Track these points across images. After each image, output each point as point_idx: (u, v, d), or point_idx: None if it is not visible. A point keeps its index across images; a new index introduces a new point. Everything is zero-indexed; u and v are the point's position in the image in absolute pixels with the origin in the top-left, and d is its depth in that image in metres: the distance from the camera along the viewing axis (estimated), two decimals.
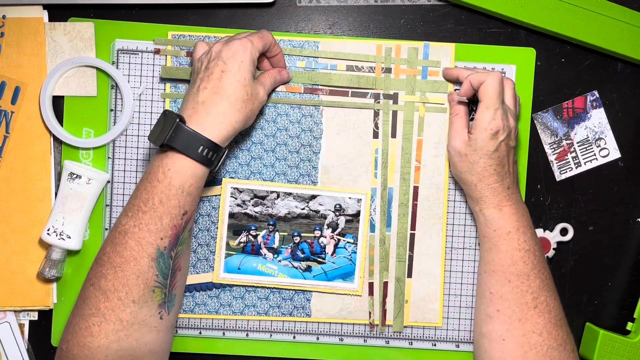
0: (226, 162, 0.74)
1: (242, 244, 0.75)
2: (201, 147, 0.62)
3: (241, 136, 0.75)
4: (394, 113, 0.75)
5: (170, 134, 0.61)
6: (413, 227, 0.76)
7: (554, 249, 0.77)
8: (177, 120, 0.62)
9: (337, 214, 0.75)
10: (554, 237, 0.77)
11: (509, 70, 0.76)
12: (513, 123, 0.68)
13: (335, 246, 0.75)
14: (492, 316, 0.69)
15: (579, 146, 0.77)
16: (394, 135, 0.75)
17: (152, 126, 0.64)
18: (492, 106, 0.67)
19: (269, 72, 0.72)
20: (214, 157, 0.63)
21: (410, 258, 0.76)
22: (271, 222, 0.75)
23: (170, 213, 0.62)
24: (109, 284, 0.61)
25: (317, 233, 0.75)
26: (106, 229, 0.76)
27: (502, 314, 0.68)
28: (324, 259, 0.75)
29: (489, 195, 0.69)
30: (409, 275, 0.76)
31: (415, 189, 0.76)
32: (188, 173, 0.62)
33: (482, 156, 0.68)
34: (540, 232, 0.77)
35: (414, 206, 0.76)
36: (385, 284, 0.76)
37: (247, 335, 0.76)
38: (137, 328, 0.62)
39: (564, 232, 0.77)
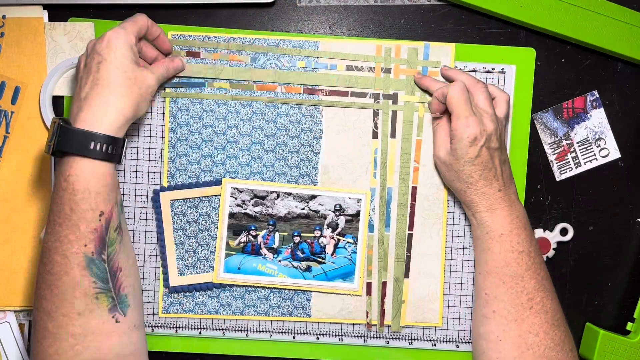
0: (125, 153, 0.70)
1: (242, 244, 0.75)
2: (93, 143, 0.60)
3: (241, 136, 0.75)
4: (394, 113, 0.75)
5: (57, 139, 0.60)
6: (411, 228, 0.76)
7: (554, 249, 0.77)
8: (60, 122, 0.61)
9: (337, 214, 0.75)
10: (553, 237, 0.77)
11: (509, 70, 0.76)
12: (491, 125, 0.67)
13: (335, 246, 0.75)
14: (488, 317, 0.69)
15: (579, 146, 0.77)
16: (393, 135, 0.75)
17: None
18: (462, 115, 0.67)
19: (161, 61, 0.71)
20: (112, 150, 0.62)
21: (408, 258, 0.76)
22: (271, 222, 0.75)
23: (85, 218, 0.61)
24: (49, 304, 0.60)
25: (317, 233, 0.75)
26: None
27: (497, 314, 0.68)
28: (324, 259, 0.75)
29: (479, 200, 0.69)
30: (406, 275, 0.76)
31: (414, 189, 0.76)
32: (88, 173, 0.61)
33: (465, 164, 0.68)
34: (540, 232, 0.77)
35: (412, 206, 0.76)
36: (384, 284, 0.76)
37: (247, 335, 0.76)
38: (93, 338, 0.61)
39: (564, 232, 0.77)
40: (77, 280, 0.60)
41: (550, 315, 0.67)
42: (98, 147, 0.60)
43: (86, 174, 0.61)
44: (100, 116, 0.62)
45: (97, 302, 0.61)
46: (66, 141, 0.60)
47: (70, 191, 0.60)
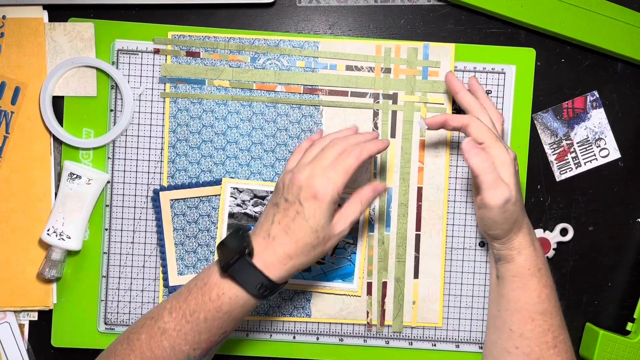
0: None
1: None
2: (260, 285, 0.61)
3: (241, 136, 0.75)
4: (394, 113, 0.75)
5: (236, 265, 0.60)
6: (418, 229, 0.76)
7: (554, 249, 0.77)
8: (246, 253, 0.60)
9: None
10: (554, 237, 0.77)
11: (509, 70, 0.76)
12: (514, 190, 0.65)
13: (335, 246, 0.75)
14: (510, 352, 0.67)
15: (579, 146, 0.77)
16: (393, 135, 0.75)
17: (225, 237, 0.63)
18: (490, 181, 0.64)
19: (355, 196, 0.65)
20: (268, 293, 0.62)
21: (417, 259, 0.76)
22: None
23: (210, 331, 0.62)
24: None
25: None
26: (106, 229, 0.76)
27: (520, 351, 0.66)
28: (324, 259, 0.75)
29: (520, 238, 0.67)
30: (416, 276, 0.76)
31: (420, 189, 0.76)
32: (240, 303, 0.61)
33: (496, 221, 0.65)
34: (540, 232, 0.77)
35: (419, 207, 0.76)
36: (384, 284, 0.76)
37: (247, 335, 0.76)
38: None
39: (564, 232, 0.77)
40: None
41: (569, 355, 0.66)
42: (261, 289, 0.61)
43: (238, 303, 0.61)
44: (278, 265, 0.61)
45: None
46: (242, 272, 0.60)
47: (215, 306, 0.61)
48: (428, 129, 0.69)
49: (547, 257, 0.77)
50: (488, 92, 0.76)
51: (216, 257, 0.72)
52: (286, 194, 0.62)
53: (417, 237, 0.76)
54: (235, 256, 0.60)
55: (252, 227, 0.65)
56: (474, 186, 0.71)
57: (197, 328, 0.61)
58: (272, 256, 0.61)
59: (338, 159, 0.62)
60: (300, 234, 0.61)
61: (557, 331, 0.66)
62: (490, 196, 0.64)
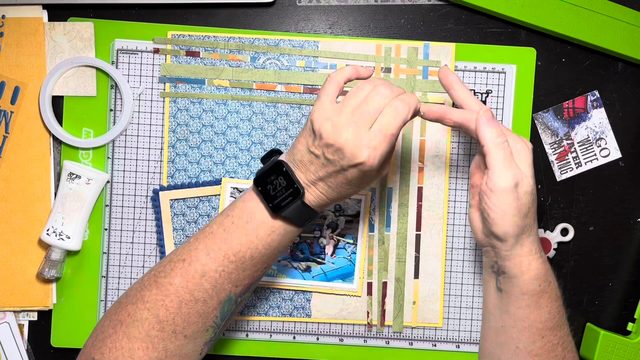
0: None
1: None
2: (309, 220, 0.61)
3: (241, 136, 0.75)
4: None
5: (290, 208, 0.59)
6: (419, 229, 0.76)
7: (554, 249, 0.76)
8: (301, 195, 0.59)
9: (337, 214, 0.75)
10: (554, 237, 0.77)
11: (509, 70, 0.76)
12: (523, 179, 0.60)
13: (335, 247, 0.75)
14: None
15: (579, 146, 0.77)
16: None
17: (263, 170, 0.60)
18: (498, 164, 0.59)
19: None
20: (311, 222, 0.62)
21: (417, 259, 0.76)
22: None
23: (255, 267, 0.60)
24: (169, 317, 0.58)
25: (317, 233, 0.75)
26: (106, 229, 0.75)
27: None
28: (324, 259, 0.75)
29: (534, 235, 0.61)
30: (416, 276, 0.76)
31: (420, 189, 0.76)
32: (288, 237, 0.61)
33: (505, 217, 0.59)
34: (540, 232, 0.77)
35: (419, 207, 0.76)
36: (385, 284, 0.76)
37: (247, 335, 0.76)
38: (177, 359, 0.59)
39: (564, 232, 0.77)
40: (208, 311, 0.59)
41: (576, 358, 0.64)
42: (308, 221, 0.61)
43: (286, 237, 0.61)
44: (322, 203, 0.60)
45: (204, 333, 0.60)
46: (296, 213, 0.59)
47: (265, 244, 0.59)
48: (423, 117, 0.63)
49: (548, 257, 0.77)
50: (488, 92, 0.76)
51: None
52: (327, 153, 0.58)
53: (418, 237, 0.76)
54: (290, 200, 0.59)
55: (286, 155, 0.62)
56: (474, 173, 0.64)
57: (242, 266, 0.59)
58: (315, 196, 0.60)
59: (383, 120, 0.57)
60: (343, 190, 0.60)
61: (565, 342, 0.63)
62: (500, 176, 0.57)
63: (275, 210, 0.59)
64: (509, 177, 0.58)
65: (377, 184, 0.75)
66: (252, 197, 0.61)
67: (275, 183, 0.59)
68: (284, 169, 0.59)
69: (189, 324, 0.59)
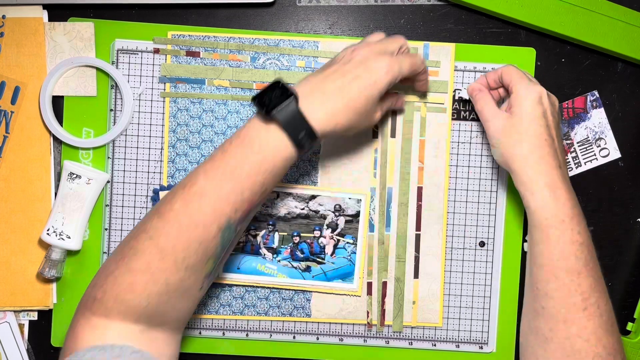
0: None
1: (241, 244, 0.75)
2: (303, 132, 0.59)
3: None
4: (393, 113, 0.75)
5: (282, 108, 0.58)
6: (418, 228, 0.76)
7: None
8: (294, 97, 0.59)
9: (337, 214, 0.75)
10: None
11: None
12: (548, 100, 0.66)
13: (335, 246, 0.75)
14: (537, 312, 0.64)
15: (579, 146, 0.77)
16: (393, 135, 0.75)
17: (260, 90, 0.61)
18: (524, 78, 0.66)
19: (389, 97, 0.71)
20: (307, 146, 0.60)
21: (417, 259, 0.76)
22: (270, 222, 0.75)
23: (253, 188, 0.59)
24: (169, 244, 0.57)
25: (317, 233, 0.75)
26: (106, 229, 0.76)
27: (546, 312, 0.62)
28: (324, 259, 0.75)
29: (542, 171, 0.63)
30: (416, 276, 0.76)
31: (419, 189, 0.76)
32: (283, 154, 0.59)
33: (531, 122, 0.64)
34: None
35: (419, 207, 0.76)
36: (384, 284, 0.76)
37: (247, 335, 0.76)
38: (178, 295, 0.58)
39: None
40: (208, 238, 0.58)
41: (605, 319, 0.62)
42: (303, 138, 0.59)
43: (281, 153, 0.59)
44: (322, 115, 0.60)
45: (204, 265, 0.59)
46: (288, 116, 0.59)
47: (259, 159, 0.59)
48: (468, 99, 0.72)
49: None
50: None
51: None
52: (347, 61, 0.63)
53: (417, 237, 0.76)
54: (280, 101, 0.59)
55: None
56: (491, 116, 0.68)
57: (240, 185, 0.58)
58: (320, 108, 0.60)
59: (403, 51, 0.66)
60: (354, 95, 0.61)
61: (587, 292, 0.61)
62: (524, 88, 0.65)
63: (267, 112, 0.59)
64: (533, 91, 0.65)
65: (377, 183, 0.75)
66: (250, 120, 0.61)
67: (270, 95, 0.60)
68: (280, 84, 0.61)
69: (190, 253, 0.57)
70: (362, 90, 0.61)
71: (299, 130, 0.59)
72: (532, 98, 0.65)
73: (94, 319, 0.57)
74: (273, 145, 0.59)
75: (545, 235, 0.63)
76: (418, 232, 0.76)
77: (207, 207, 0.58)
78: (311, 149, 0.62)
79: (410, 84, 0.72)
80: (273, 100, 0.59)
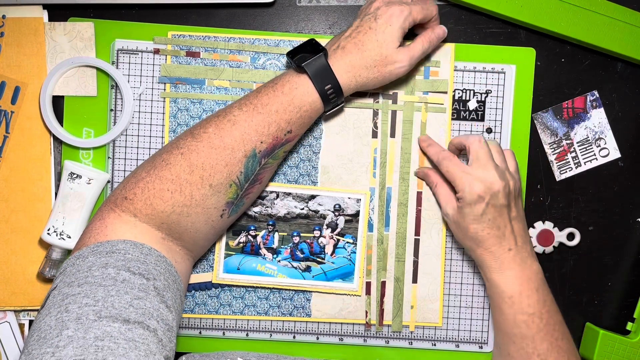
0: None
1: (241, 244, 0.75)
2: (329, 85, 0.65)
3: None
4: (393, 113, 0.75)
5: (311, 60, 0.65)
6: (417, 233, 0.76)
7: (554, 246, 0.77)
8: (322, 52, 0.66)
9: (337, 214, 0.75)
10: (559, 236, 0.77)
11: (509, 70, 0.76)
12: (499, 183, 0.66)
13: (335, 246, 0.75)
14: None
15: (578, 146, 0.77)
16: (393, 135, 0.75)
17: (297, 46, 0.69)
18: (465, 174, 0.67)
19: (421, 37, 0.71)
20: (332, 100, 0.66)
21: (416, 263, 0.76)
22: (270, 222, 0.75)
23: (279, 124, 0.65)
24: (199, 161, 0.62)
25: (317, 233, 0.75)
26: None
27: None
28: (324, 259, 0.75)
29: (489, 260, 0.68)
30: (414, 280, 0.76)
31: (419, 194, 0.76)
32: (309, 100, 0.66)
33: (471, 222, 0.67)
34: (540, 224, 0.76)
35: (418, 212, 0.76)
36: (383, 284, 0.76)
37: (247, 335, 0.76)
38: (199, 211, 0.63)
39: (570, 237, 0.77)
40: (234, 161, 0.63)
41: None
42: (328, 91, 0.66)
43: (307, 99, 0.66)
44: (343, 71, 0.66)
45: (227, 189, 0.64)
46: (316, 68, 0.65)
47: (288, 99, 0.65)
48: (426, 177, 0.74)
49: (546, 253, 0.77)
50: (488, 92, 0.76)
51: (215, 261, 0.71)
52: (362, 17, 0.68)
53: (417, 242, 0.76)
54: (312, 56, 0.65)
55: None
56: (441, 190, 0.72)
57: (268, 119, 0.64)
58: (340, 62, 0.66)
59: (419, 2, 0.70)
60: (368, 46, 0.66)
61: (544, 354, 0.66)
62: (468, 186, 0.66)
63: (299, 63, 0.65)
64: (475, 188, 0.66)
65: (377, 183, 0.75)
66: (284, 72, 0.69)
67: (304, 51, 0.67)
68: (313, 40, 0.69)
69: (215, 172, 0.62)
70: (375, 40, 0.66)
71: (325, 82, 0.65)
72: (471, 197, 0.66)
73: (125, 216, 0.62)
74: (301, 90, 0.65)
75: (497, 306, 0.69)
76: (417, 237, 0.76)
77: (237, 133, 0.63)
78: (335, 103, 0.68)
79: (423, 31, 0.73)
80: (305, 55, 0.66)
